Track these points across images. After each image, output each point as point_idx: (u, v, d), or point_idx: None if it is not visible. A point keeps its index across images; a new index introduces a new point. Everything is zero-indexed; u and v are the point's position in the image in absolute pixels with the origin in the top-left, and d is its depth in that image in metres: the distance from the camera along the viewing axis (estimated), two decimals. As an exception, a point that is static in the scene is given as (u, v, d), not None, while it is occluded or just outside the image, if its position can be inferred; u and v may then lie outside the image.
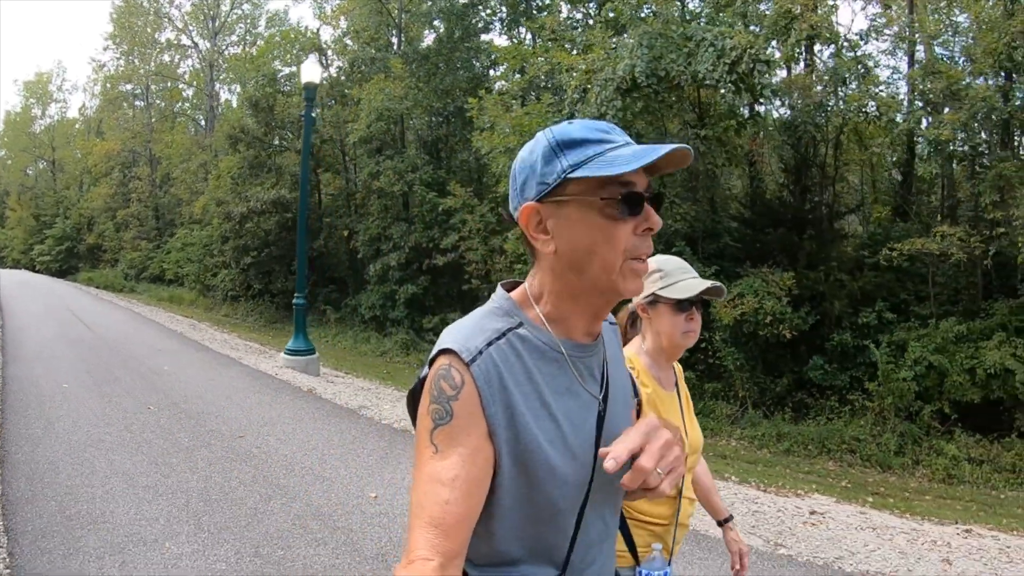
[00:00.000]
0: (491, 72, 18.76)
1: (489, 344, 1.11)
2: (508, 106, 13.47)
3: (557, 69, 12.39)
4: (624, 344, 2.05)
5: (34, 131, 54.92)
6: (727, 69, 10.38)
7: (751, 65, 10.17)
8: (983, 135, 12.89)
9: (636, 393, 1.80)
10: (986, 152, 12.19)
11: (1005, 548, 5.27)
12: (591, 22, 15.65)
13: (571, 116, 11.65)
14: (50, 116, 55.76)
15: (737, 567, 2.21)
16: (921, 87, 11.88)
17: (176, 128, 37.32)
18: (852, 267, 12.25)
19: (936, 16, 12.85)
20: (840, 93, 12.04)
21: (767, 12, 10.99)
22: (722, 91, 10.53)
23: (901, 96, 12.76)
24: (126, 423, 7.35)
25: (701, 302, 2.03)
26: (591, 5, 17.11)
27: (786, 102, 12.72)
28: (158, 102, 40.99)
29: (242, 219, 22.33)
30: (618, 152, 1.09)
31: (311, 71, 11.92)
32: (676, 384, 2.11)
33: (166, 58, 39.88)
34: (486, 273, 15.18)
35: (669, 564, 1.95)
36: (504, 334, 1.14)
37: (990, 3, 11.80)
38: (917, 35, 12.72)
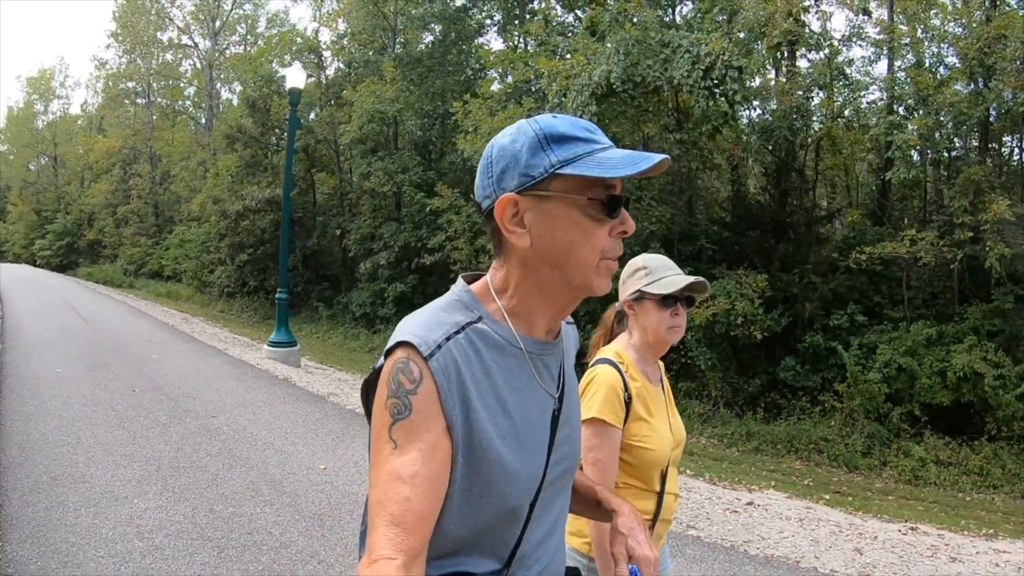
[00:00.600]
0: (481, 76, 18.99)
1: (448, 338, 1.09)
2: (492, 110, 13.70)
3: (539, 74, 12.62)
4: (610, 341, 2.19)
5: (36, 127, 55.49)
6: (701, 75, 10.62)
7: (724, 71, 10.39)
8: (956, 140, 13.16)
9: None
10: (961, 157, 12.42)
11: (940, 545, 5.48)
12: (582, 26, 15.91)
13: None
14: (52, 112, 56.42)
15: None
16: (896, 93, 12.11)
17: (177, 126, 37.68)
18: (826, 270, 12.41)
19: (912, 25, 12.99)
20: (816, 99, 12.28)
21: (744, 19, 11.18)
22: (696, 96, 10.73)
23: (882, 102, 12.98)
24: (111, 403, 7.94)
25: (685, 299, 2.09)
26: (581, 10, 17.37)
27: (764, 107, 12.92)
28: (159, 100, 41.38)
29: (238, 217, 22.74)
30: (608, 155, 1.09)
31: (296, 77, 12.32)
32: (661, 379, 2.19)
33: (168, 57, 40.24)
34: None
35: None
36: (463, 328, 1.12)
37: (976, 12, 11.97)
38: (902, 41, 12.91)
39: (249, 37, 37.71)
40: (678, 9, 18.57)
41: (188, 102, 40.86)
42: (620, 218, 1.12)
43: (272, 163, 23.38)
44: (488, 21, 21.33)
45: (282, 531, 4.60)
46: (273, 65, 24.32)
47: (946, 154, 12.57)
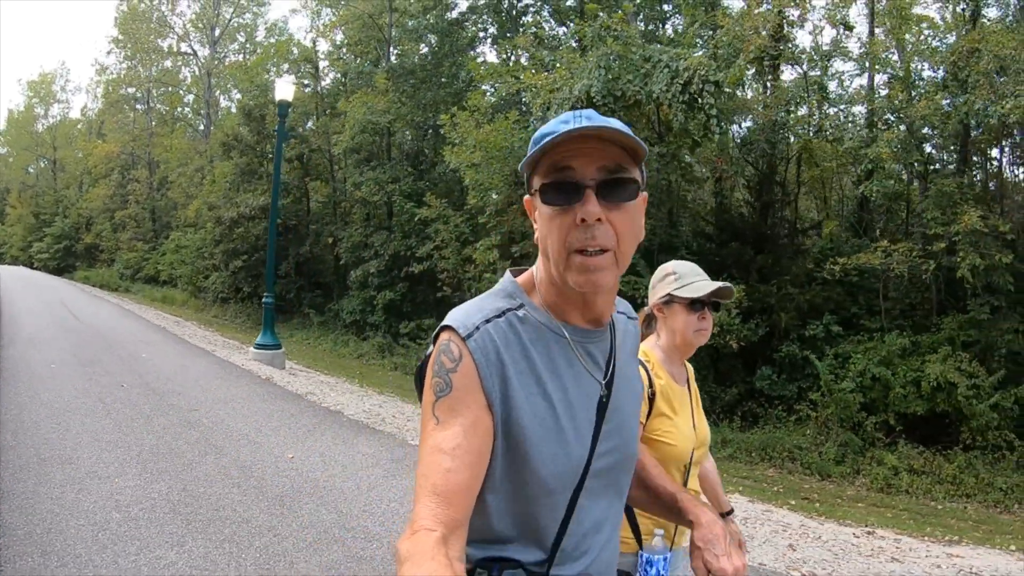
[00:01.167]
0: (472, 88, 19.28)
1: (487, 321, 1.14)
2: (479, 123, 13.96)
3: (525, 88, 12.87)
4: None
5: (36, 130, 55.69)
6: (680, 89, 10.87)
7: (701, 85, 10.64)
8: (936, 153, 13.38)
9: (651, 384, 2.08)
10: (938, 170, 12.60)
11: (889, 548, 5.65)
12: (568, 40, 16.18)
13: (535, 133, 12.14)
14: (52, 116, 56.73)
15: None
16: (874, 107, 12.33)
17: (175, 133, 37.94)
18: (803, 281, 12.60)
19: (897, 38, 13.19)
20: (795, 114, 12.51)
21: (721, 35, 11.44)
22: (675, 110, 10.96)
23: (861, 117, 13.22)
24: (100, 396, 8.45)
25: (713, 304, 2.17)
26: (572, 23, 17.63)
27: (740, 122, 13.17)
28: (159, 106, 41.67)
29: (232, 224, 23.00)
30: (556, 137, 1.09)
31: (285, 90, 12.62)
32: (688, 381, 2.26)
33: (168, 64, 40.53)
34: (457, 282, 15.71)
35: (670, 550, 2.01)
36: (503, 313, 1.16)
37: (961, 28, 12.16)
38: (880, 56, 13.16)
39: (248, 46, 38.02)
40: (669, 22, 18.97)
41: (187, 109, 41.16)
42: (582, 203, 1.10)
43: (267, 171, 23.56)
44: (482, 34, 21.65)
45: (245, 508, 5.05)
46: (270, 75, 24.59)
47: (928, 167, 12.70)
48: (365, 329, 19.02)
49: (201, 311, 26.34)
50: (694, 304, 2.14)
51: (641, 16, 18.13)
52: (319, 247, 22.76)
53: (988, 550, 6.32)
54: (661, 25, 18.89)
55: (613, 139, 1.10)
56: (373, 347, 17.58)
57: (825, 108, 12.76)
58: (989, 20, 12.21)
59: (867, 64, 13.88)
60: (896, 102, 11.56)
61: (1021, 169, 14.26)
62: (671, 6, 18.32)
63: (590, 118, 1.10)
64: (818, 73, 13.39)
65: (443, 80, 19.70)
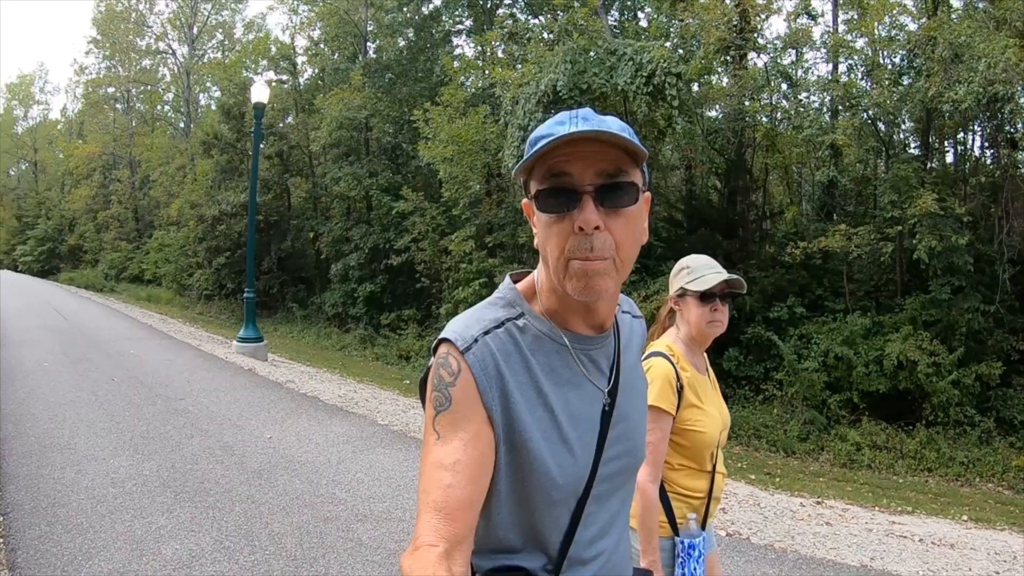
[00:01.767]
0: (446, 82, 19.53)
1: (486, 333, 1.11)
2: (450, 117, 14.25)
3: (494, 83, 13.15)
4: (662, 335, 2.32)
5: (16, 132, 55.36)
6: (644, 81, 11.19)
7: (663, 77, 10.96)
8: (903, 137, 13.68)
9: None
10: (898, 154, 12.90)
11: (830, 515, 5.84)
12: (547, 34, 16.43)
13: (505, 127, 12.49)
14: (32, 118, 56.47)
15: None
16: (836, 95, 12.63)
17: (156, 132, 37.94)
18: (769, 265, 12.94)
19: (866, 26, 13.38)
20: (759, 102, 12.83)
21: (683, 27, 11.74)
22: (639, 102, 11.28)
23: (823, 104, 13.52)
24: (92, 389, 8.93)
25: (727, 295, 2.22)
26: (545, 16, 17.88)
27: (703, 111, 13.48)
28: (139, 106, 41.60)
29: (214, 221, 23.27)
30: (551, 140, 1.05)
31: (260, 92, 12.90)
32: (707, 369, 2.33)
33: (147, 63, 40.43)
34: (435, 272, 16.04)
35: (703, 531, 2.18)
36: (502, 324, 1.14)
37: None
38: (841, 45, 13.43)
39: (227, 43, 38.02)
40: (643, 12, 19.15)
41: (167, 107, 41.15)
42: (579, 209, 1.06)
43: (248, 168, 23.63)
44: (459, 26, 21.82)
45: (227, 481, 5.58)
46: (248, 73, 24.75)
47: (889, 152, 12.96)
48: (347, 321, 19.39)
49: (186, 308, 26.55)
50: (705, 297, 2.19)
51: (616, 5, 18.41)
52: (300, 242, 23.08)
53: (938, 520, 6.47)
54: (634, 16, 19.09)
55: (611, 141, 1.05)
56: (355, 339, 17.93)
57: (787, 95, 13.05)
58: (954, 7, 12.42)
59: (829, 53, 14.12)
60: (854, 90, 11.86)
61: (989, 152, 14.60)
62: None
63: (587, 119, 1.06)
64: (783, 62, 13.69)
65: (419, 75, 19.96)
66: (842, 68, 13.94)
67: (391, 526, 4.81)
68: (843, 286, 12.36)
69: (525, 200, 1.17)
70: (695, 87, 13.96)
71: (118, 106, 42.56)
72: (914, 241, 10.64)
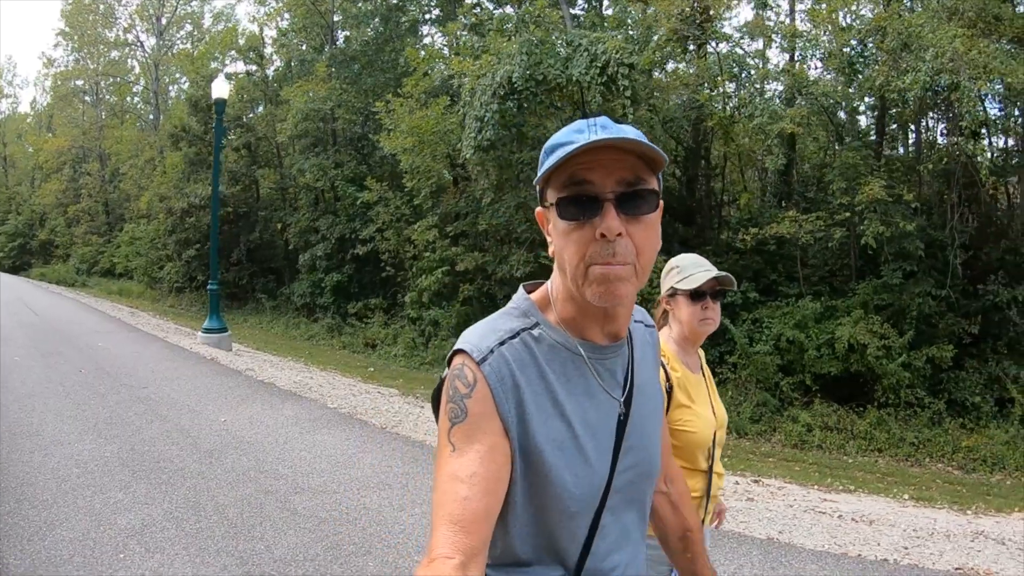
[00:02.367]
0: (411, 73, 19.62)
1: (501, 343, 1.11)
2: (411, 109, 14.39)
3: (455, 75, 13.29)
4: None
5: (-16, 127, 54.58)
6: (598, 72, 11.39)
7: (616, 68, 11.17)
8: (865, 125, 13.91)
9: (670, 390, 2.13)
10: (850, 142, 13.15)
11: (761, 492, 6.08)
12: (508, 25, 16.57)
13: (463, 118, 12.66)
14: (1, 111, 55.56)
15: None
16: (788, 84, 12.89)
17: (125, 124, 37.67)
18: (723, 251, 13.13)
19: (819, 17, 13.60)
20: (713, 91, 13.06)
21: (636, 19, 11.94)
22: (593, 92, 11.48)
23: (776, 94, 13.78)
24: (61, 381, 9.36)
25: (717, 292, 2.24)
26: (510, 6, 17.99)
27: (661, 100, 13.70)
28: (108, 98, 41.24)
29: (183, 214, 23.29)
30: (570, 148, 1.04)
31: (221, 88, 13.03)
32: (701, 367, 2.33)
33: (115, 55, 40.08)
34: (399, 261, 16.24)
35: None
36: (517, 334, 1.13)
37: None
38: (792, 35, 13.68)
39: (195, 34, 37.77)
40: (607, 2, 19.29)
41: (137, 99, 40.81)
42: (600, 217, 1.06)
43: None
44: (426, 15, 21.83)
45: (181, 460, 6.05)
46: (216, 64, 24.70)
47: (842, 139, 13.21)
48: (315, 311, 19.56)
49: (157, 301, 26.55)
50: (695, 295, 2.21)
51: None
52: (269, 233, 23.17)
53: (876, 498, 6.66)
54: (600, 5, 19.21)
55: (631, 149, 1.06)
56: (323, 328, 18.09)
57: (741, 83, 13.30)
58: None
59: (785, 41, 14.37)
60: (802, 78, 12.12)
61: (945, 139, 14.90)
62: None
63: (605, 127, 1.07)
64: (744, 51, 13.95)
65: (385, 65, 20.02)
66: (797, 57, 14.27)
67: (325, 498, 5.17)
68: (797, 271, 12.54)
69: (539, 209, 1.18)
70: (659, 76, 14.18)
71: (87, 99, 42.21)
72: (861, 228, 10.85)
